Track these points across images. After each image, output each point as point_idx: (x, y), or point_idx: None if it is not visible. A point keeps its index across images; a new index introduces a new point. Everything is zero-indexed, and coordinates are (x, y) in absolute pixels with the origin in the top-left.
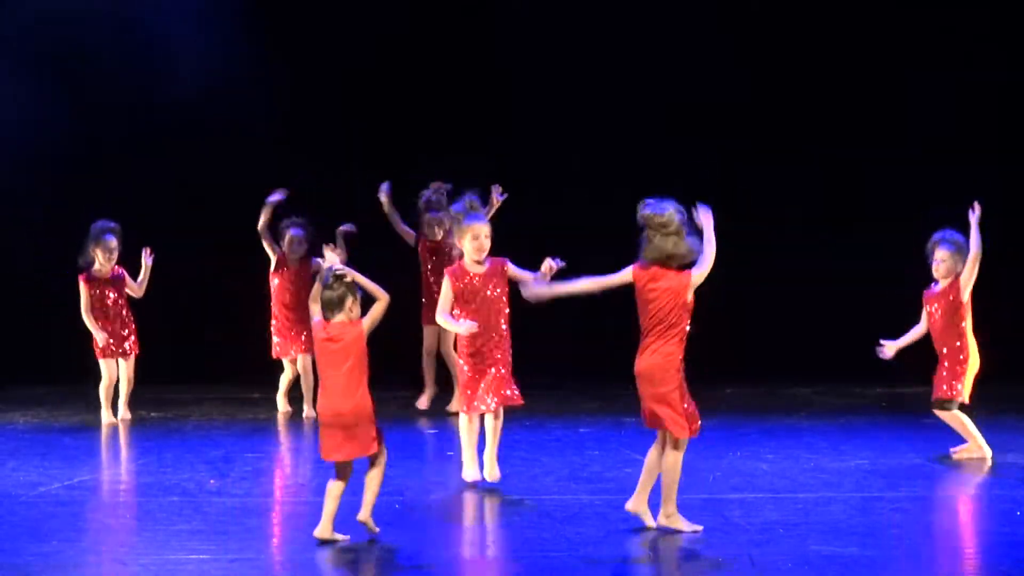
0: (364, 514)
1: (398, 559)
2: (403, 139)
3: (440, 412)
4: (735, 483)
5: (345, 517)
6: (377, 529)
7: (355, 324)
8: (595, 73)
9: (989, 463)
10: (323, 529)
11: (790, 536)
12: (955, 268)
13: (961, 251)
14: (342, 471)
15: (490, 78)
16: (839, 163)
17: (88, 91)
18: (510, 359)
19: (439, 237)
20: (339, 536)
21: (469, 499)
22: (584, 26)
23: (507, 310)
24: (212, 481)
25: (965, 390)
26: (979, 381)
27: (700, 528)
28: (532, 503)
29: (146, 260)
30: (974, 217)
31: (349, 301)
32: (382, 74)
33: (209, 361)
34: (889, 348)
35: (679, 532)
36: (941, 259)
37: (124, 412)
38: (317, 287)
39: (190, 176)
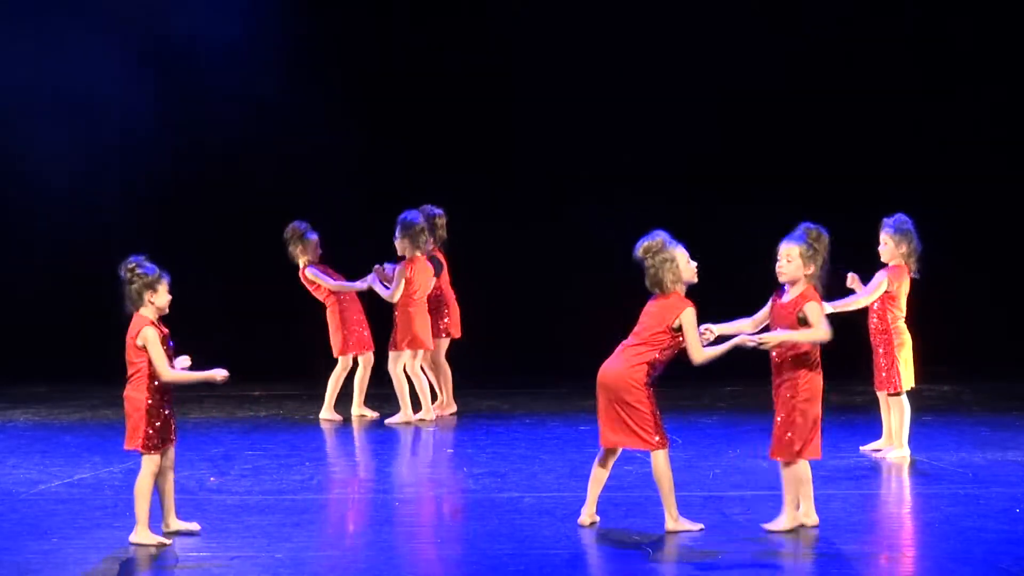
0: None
1: (397, 558)
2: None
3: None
4: (735, 480)
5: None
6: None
7: (142, 319)
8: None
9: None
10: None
11: (790, 533)
12: (895, 252)
13: (900, 233)
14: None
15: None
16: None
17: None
18: None
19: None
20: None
21: (468, 497)
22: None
23: None
24: (212, 479)
25: (905, 381)
26: (980, 381)
27: (702, 526)
28: (532, 500)
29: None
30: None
31: (147, 294)
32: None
33: (209, 360)
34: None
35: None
36: (883, 242)
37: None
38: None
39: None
